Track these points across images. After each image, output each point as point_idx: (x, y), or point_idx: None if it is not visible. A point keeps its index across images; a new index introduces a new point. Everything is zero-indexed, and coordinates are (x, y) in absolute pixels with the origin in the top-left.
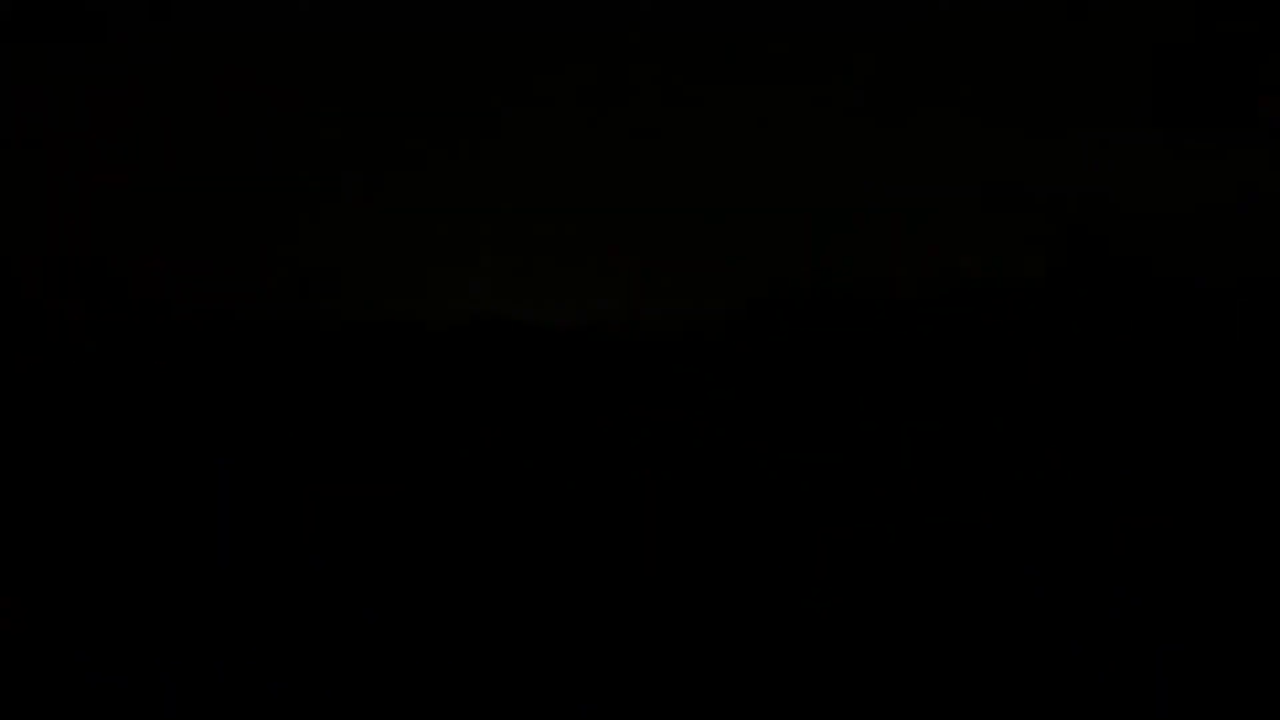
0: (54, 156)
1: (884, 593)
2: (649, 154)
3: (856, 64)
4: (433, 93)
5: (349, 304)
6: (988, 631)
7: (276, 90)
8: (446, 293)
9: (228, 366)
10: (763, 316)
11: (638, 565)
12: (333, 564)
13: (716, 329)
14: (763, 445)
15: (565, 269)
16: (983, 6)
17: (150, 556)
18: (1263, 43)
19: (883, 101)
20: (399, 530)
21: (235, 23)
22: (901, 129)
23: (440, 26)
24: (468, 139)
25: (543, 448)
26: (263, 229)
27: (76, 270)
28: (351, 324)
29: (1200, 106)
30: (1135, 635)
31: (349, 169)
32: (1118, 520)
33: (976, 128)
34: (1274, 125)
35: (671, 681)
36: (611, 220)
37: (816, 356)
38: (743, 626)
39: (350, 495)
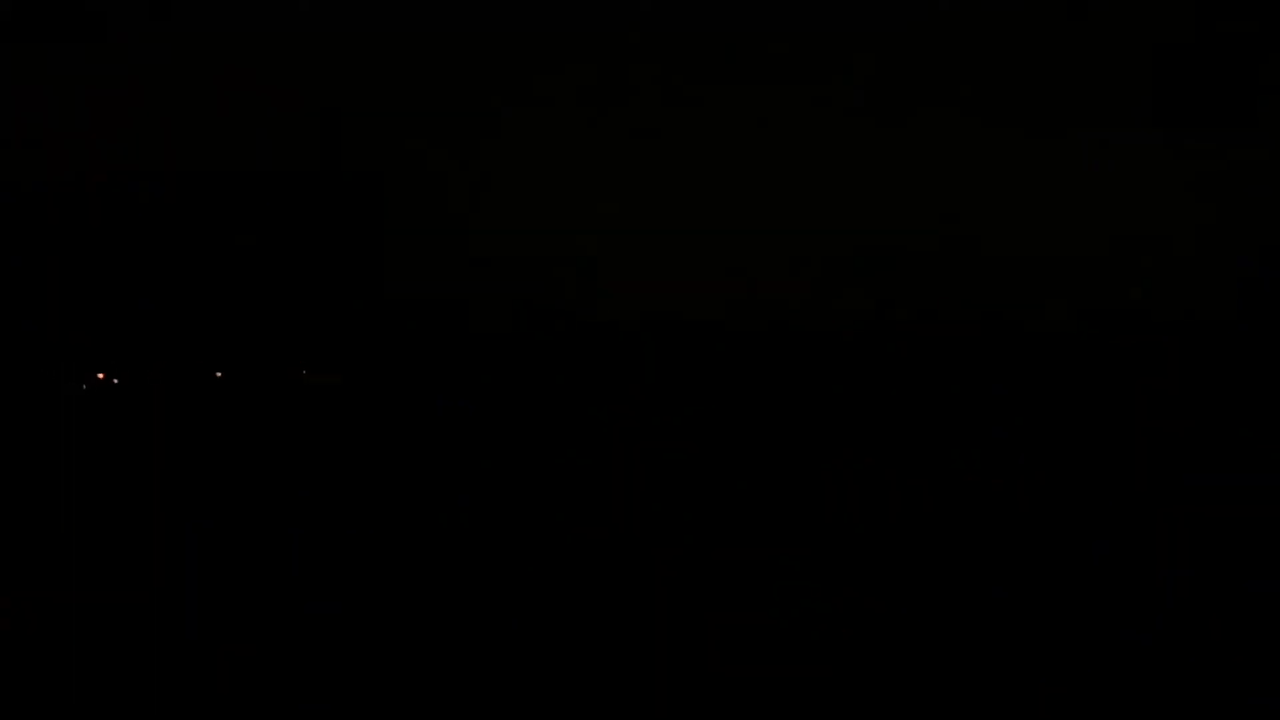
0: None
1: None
2: (649, 154)
3: (856, 64)
4: (432, 93)
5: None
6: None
7: (276, 90)
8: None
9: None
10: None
11: None
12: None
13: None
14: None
15: (559, 269)
16: (983, 6)
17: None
18: (1263, 43)
19: (883, 101)
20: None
21: (235, 23)
22: (901, 129)
23: (440, 27)
24: (468, 139)
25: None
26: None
27: None
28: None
29: (1200, 106)
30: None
31: (350, 169)
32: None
33: (976, 128)
34: (1274, 125)
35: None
36: (607, 221)
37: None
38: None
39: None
